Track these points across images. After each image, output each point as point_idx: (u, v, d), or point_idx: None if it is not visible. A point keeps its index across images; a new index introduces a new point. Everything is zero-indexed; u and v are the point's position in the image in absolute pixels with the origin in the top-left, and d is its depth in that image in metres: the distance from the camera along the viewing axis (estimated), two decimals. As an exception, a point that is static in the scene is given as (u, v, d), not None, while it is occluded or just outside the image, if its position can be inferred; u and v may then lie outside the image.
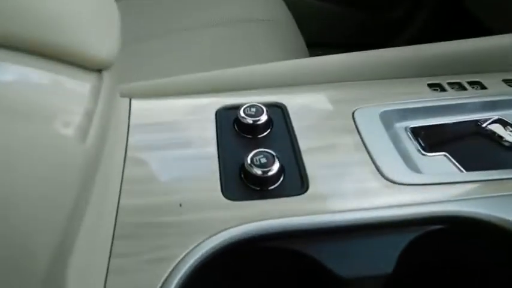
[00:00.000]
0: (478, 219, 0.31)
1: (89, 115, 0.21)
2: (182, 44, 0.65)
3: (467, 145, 0.41)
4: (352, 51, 0.45)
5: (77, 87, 0.23)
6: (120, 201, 0.31)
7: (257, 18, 0.75)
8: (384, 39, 1.09)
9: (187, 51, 0.64)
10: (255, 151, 0.32)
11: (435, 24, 1.11)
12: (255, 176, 0.32)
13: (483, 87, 0.43)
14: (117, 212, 0.30)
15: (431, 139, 0.41)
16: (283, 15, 0.81)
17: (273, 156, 0.32)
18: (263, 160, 0.32)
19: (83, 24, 0.23)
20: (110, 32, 0.25)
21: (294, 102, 0.40)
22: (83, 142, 0.20)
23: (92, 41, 0.23)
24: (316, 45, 0.94)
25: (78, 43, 0.22)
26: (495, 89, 0.43)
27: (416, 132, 0.40)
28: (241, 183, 0.33)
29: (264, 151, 0.33)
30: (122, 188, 0.32)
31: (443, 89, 0.43)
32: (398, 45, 0.47)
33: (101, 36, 0.24)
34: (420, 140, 0.39)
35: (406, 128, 0.40)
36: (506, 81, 0.44)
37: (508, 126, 0.41)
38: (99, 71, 0.25)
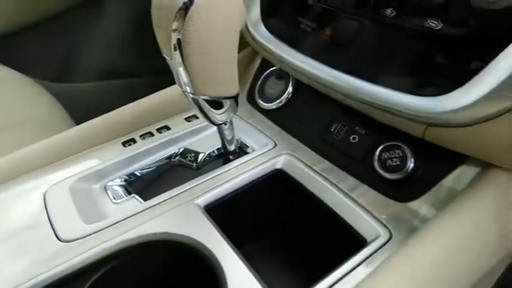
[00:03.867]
0: (143, 242, 0.38)
1: None
2: None
3: (161, 178, 0.50)
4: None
5: None
6: None
7: (24, 120, 0.75)
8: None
9: None
10: None
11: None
12: None
13: (169, 129, 0.54)
14: None
15: (131, 186, 0.48)
16: (54, 108, 0.83)
17: None
18: None
19: None
20: None
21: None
22: None
23: None
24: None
25: None
26: (178, 127, 0.54)
27: (121, 184, 0.48)
28: None
29: None
30: None
31: (135, 142, 0.52)
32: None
33: None
34: (118, 191, 0.47)
35: (105, 186, 0.47)
36: (186, 118, 0.56)
37: (191, 153, 0.52)
38: None
